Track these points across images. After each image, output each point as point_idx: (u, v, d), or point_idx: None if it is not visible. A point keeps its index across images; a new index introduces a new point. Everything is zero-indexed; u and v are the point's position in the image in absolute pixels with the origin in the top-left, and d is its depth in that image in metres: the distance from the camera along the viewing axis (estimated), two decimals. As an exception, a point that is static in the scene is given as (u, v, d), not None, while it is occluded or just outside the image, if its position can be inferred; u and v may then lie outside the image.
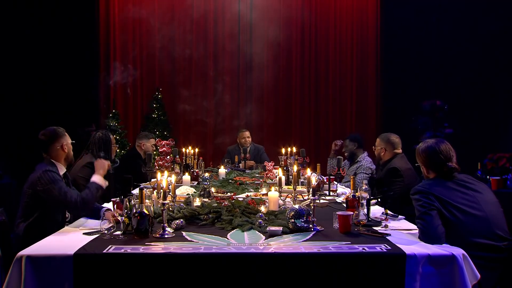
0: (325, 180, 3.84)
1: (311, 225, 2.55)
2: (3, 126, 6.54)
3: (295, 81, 7.77)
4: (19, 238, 2.83)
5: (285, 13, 7.66)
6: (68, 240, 2.40)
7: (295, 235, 2.47)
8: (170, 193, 2.67)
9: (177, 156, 4.45)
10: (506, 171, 5.22)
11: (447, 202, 2.44)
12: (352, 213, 2.63)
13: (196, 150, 5.11)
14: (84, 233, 2.52)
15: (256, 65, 7.64)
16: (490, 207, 2.51)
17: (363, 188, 3.07)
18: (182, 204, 3.07)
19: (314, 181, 2.87)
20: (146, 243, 2.31)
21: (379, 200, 3.12)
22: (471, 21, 7.23)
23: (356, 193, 2.91)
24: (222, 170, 4.79)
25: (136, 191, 3.05)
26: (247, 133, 6.11)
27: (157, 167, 3.86)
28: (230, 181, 4.27)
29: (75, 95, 6.79)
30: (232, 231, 2.55)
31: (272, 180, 4.11)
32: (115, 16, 7.39)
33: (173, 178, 2.85)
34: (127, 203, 2.53)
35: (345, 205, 3.08)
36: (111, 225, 2.48)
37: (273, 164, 4.37)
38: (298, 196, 3.21)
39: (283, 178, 3.66)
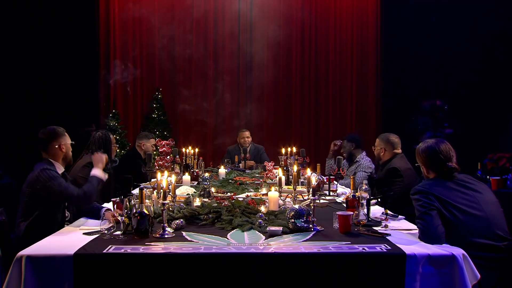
0: (325, 180, 3.84)
1: (311, 225, 2.55)
2: (3, 126, 6.54)
3: (295, 81, 7.76)
4: (19, 238, 2.83)
5: (285, 13, 7.66)
6: (68, 240, 2.40)
7: (295, 235, 2.47)
8: (170, 193, 2.67)
9: (177, 156, 4.44)
10: (506, 171, 5.22)
11: (447, 202, 2.44)
12: (352, 213, 2.63)
13: (196, 150, 5.12)
14: (84, 233, 2.52)
15: (256, 65, 7.64)
16: (490, 207, 2.51)
17: (363, 188, 3.07)
18: (182, 204, 3.07)
19: (314, 181, 2.87)
20: (146, 243, 2.31)
21: (379, 200, 3.12)
22: (471, 21, 7.22)
23: (356, 193, 2.91)
24: (222, 170, 4.79)
25: (136, 191, 3.04)
26: (247, 133, 6.11)
27: (157, 167, 3.86)
28: (230, 181, 4.27)
29: (75, 95, 6.79)
30: (232, 231, 2.55)
31: (272, 180, 4.11)
32: (115, 16, 7.38)
33: (173, 178, 2.85)
34: (127, 203, 2.53)
35: (345, 205, 3.08)
36: (111, 225, 2.48)
37: (273, 164, 4.37)
38: (298, 196, 3.21)
39: (283, 178, 3.66)
